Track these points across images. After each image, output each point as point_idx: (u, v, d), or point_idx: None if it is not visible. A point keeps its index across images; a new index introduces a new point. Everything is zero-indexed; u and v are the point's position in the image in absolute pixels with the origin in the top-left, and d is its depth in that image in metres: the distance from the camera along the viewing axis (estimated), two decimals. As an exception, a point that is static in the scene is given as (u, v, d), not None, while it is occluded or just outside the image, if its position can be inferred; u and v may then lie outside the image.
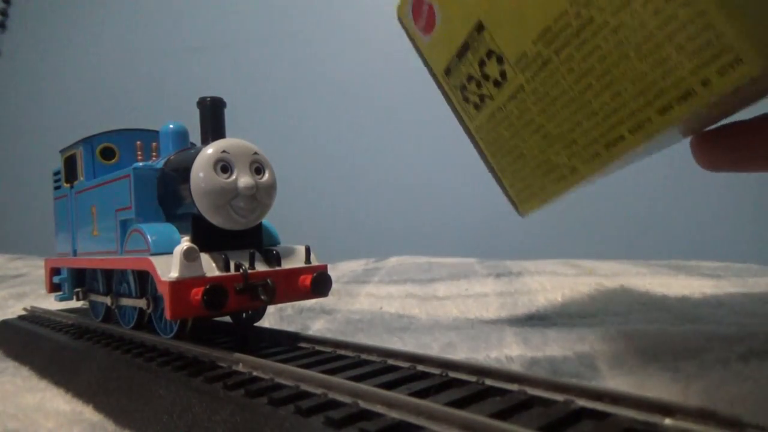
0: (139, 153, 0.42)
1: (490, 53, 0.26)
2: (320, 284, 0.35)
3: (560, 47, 0.23)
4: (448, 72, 0.29)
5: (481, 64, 0.27)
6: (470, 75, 0.28)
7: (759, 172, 0.29)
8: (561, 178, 0.26)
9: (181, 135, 0.41)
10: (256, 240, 0.36)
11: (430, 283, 0.63)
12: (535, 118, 0.26)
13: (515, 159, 0.28)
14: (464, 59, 0.28)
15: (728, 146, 0.28)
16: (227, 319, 0.42)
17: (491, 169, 0.31)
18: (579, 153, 0.25)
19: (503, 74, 0.26)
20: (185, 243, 0.31)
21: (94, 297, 0.46)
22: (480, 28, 0.26)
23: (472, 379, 0.24)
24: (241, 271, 0.32)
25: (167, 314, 0.30)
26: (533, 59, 0.24)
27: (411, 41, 0.31)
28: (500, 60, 0.26)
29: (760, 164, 0.28)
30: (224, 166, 0.33)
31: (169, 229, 0.35)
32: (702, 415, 0.17)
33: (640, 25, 0.20)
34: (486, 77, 0.27)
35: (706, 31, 0.19)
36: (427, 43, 0.30)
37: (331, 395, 0.23)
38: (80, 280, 0.48)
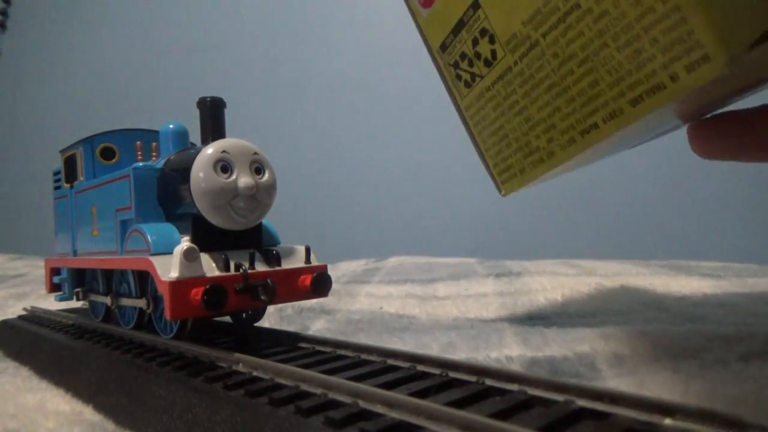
0: (139, 153, 0.42)
1: (483, 32, 0.27)
2: (320, 284, 0.35)
3: (547, 30, 0.24)
4: (443, 48, 0.30)
5: (474, 42, 0.28)
6: (463, 52, 0.29)
7: (757, 162, 0.29)
8: (539, 161, 0.27)
9: (181, 135, 0.41)
10: (256, 240, 0.36)
11: (430, 283, 0.63)
12: (519, 100, 0.27)
13: (499, 140, 0.29)
14: (459, 36, 0.28)
15: (728, 134, 0.28)
16: (227, 319, 0.42)
17: (477, 148, 0.32)
18: (557, 138, 0.26)
19: (494, 54, 0.27)
20: (185, 243, 0.31)
21: (94, 297, 0.46)
22: (476, 5, 0.27)
23: (472, 379, 0.24)
24: (241, 271, 0.32)
25: (167, 314, 0.30)
26: (522, 41, 0.25)
27: (411, 16, 0.32)
28: (492, 39, 0.27)
29: (760, 154, 0.28)
30: (224, 166, 0.33)
31: (169, 229, 0.35)
32: (702, 415, 0.17)
33: (621, 15, 0.21)
34: (478, 56, 0.28)
35: (679, 26, 0.19)
36: (425, 17, 0.30)
37: (331, 395, 0.23)
38: (80, 280, 0.48)
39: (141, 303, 0.37)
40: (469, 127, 0.31)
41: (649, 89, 0.21)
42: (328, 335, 0.41)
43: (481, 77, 0.28)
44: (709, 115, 0.29)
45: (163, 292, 0.30)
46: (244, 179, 0.33)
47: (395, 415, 0.20)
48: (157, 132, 0.42)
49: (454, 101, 0.32)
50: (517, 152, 0.28)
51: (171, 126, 0.41)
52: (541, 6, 0.24)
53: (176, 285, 0.30)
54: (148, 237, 0.34)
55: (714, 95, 0.24)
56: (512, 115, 0.27)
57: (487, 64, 0.28)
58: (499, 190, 0.32)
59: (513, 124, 0.28)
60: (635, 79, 0.21)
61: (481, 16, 0.27)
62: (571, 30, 0.23)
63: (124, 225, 0.38)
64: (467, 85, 0.30)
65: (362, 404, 0.21)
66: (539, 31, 0.24)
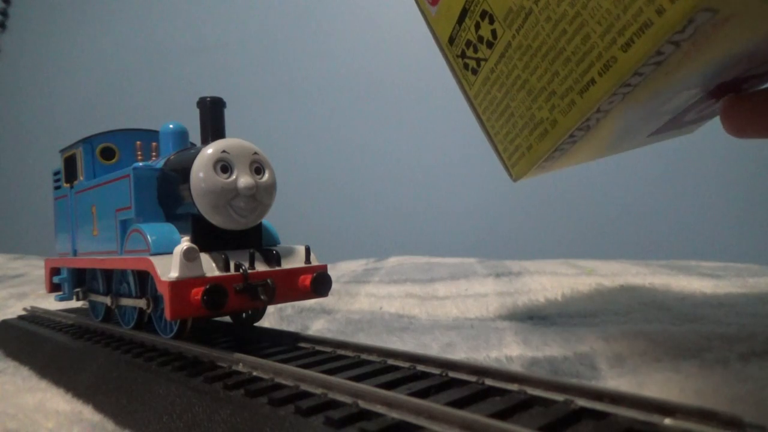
0: (139, 153, 0.42)
1: (483, 14, 0.27)
2: (320, 284, 0.35)
3: None
4: (451, 41, 0.30)
5: (477, 26, 0.28)
6: (468, 40, 0.29)
7: None
8: (544, 133, 0.27)
9: (181, 135, 0.41)
10: (256, 240, 0.36)
11: (430, 283, 0.63)
12: (520, 74, 0.27)
13: (506, 120, 0.29)
14: (463, 25, 0.29)
15: (763, 111, 0.28)
16: (227, 319, 0.42)
17: (488, 135, 0.32)
18: (558, 104, 0.25)
19: (494, 33, 0.27)
20: (185, 243, 0.31)
21: (94, 297, 0.46)
22: None
23: (472, 379, 0.24)
24: (241, 271, 0.32)
25: (167, 314, 0.30)
26: (518, 13, 0.25)
27: (423, 17, 0.32)
28: (492, 19, 0.27)
29: None
30: (224, 166, 0.33)
31: (169, 229, 0.35)
32: (702, 415, 0.17)
33: None
34: (480, 39, 0.28)
35: None
36: (434, 14, 0.31)
37: (331, 395, 0.23)
38: (80, 280, 0.48)
39: (141, 303, 0.37)
40: (479, 116, 0.31)
41: (638, 29, 0.21)
42: (328, 335, 0.41)
43: (485, 60, 0.28)
44: (745, 93, 0.29)
45: (163, 292, 0.30)
46: (244, 179, 0.33)
47: (395, 415, 0.20)
48: (157, 132, 0.42)
49: (464, 93, 0.32)
50: (523, 129, 0.28)
51: (171, 126, 0.41)
52: None
53: (176, 285, 0.30)
54: (148, 237, 0.34)
55: (733, 51, 0.23)
56: (515, 91, 0.27)
57: (489, 45, 0.28)
58: (510, 175, 0.31)
59: (517, 100, 0.28)
60: (624, 23, 0.21)
61: None
62: None
63: (124, 225, 0.38)
64: (474, 72, 0.30)
65: (362, 404, 0.21)
66: None
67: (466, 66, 0.30)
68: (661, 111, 0.29)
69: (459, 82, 0.32)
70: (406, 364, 0.27)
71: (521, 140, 0.29)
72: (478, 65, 0.29)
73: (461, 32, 0.29)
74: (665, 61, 0.21)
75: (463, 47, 0.30)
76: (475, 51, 0.29)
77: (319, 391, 0.24)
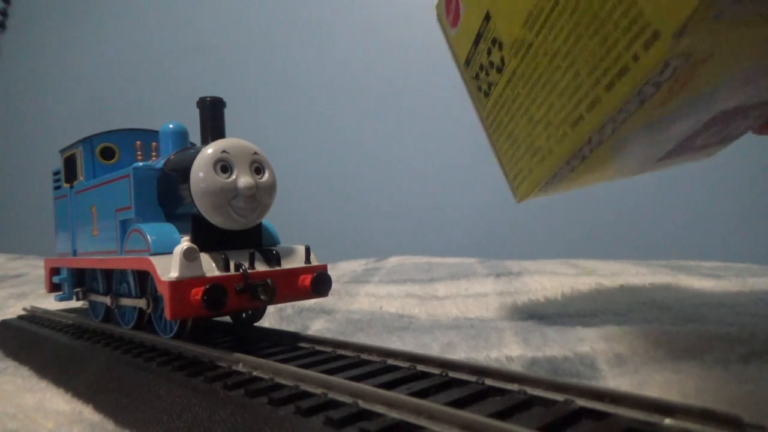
0: (139, 153, 0.42)
1: (494, 41, 0.28)
2: (320, 284, 0.35)
3: (538, 29, 0.25)
4: (467, 63, 0.32)
5: (488, 52, 0.29)
6: (481, 63, 0.30)
7: None
8: (542, 160, 0.28)
9: (181, 135, 0.41)
10: (256, 240, 0.36)
11: (430, 283, 0.63)
12: (523, 102, 0.28)
13: (512, 143, 0.30)
14: (478, 48, 0.30)
15: None
16: (227, 319, 0.42)
17: (496, 155, 0.33)
18: (554, 134, 0.26)
19: (503, 60, 0.28)
20: (185, 243, 0.31)
21: (93, 297, 0.46)
22: (488, 17, 0.28)
23: (472, 379, 0.24)
24: (241, 271, 0.32)
25: (167, 314, 0.30)
26: (521, 43, 0.26)
27: (445, 37, 0.33)
28: (501, 46, 0.28)
29: None
30: (224, 166, 0.33)
31: (169, 229, 0.35)
32: (702, 415, 0.17)
33: (588, 4, 0.22)
34: (491, 64, 0.29)
35: (632, 8, 0.20)
36: (454, 35, 0.32)
37: (331, 395, 0.23)
38: (80, 280, 0.48)
39: (141, 303, 0.37)
40: (489, 136, 0.33)
41: (618, 73, 0.22)
42: (328, 335, 0.41)
43: (495, 85, 0.30)
44: None
45: (163, 292, 0.30)
46: (243, 179, 0.33)
47: (395, 415, 0.20)
48: (157, 132, 0.42)
49: (478, 113, 0.33)
50: (525, 154, 0.29)
51: (171, 126, 0.41)
52: (532, 8, 0.25)
53: (176, 285, 0.30)
54: (148, 237, 0.34)
55: (724, 82, 0.24)
56: (519, 117, 0.29)
57: (499, 70, 0.29)
58: (515, 196, 0.32)
59: (520, 126, 0.29)
60: (607, 65, 0.22)
61: (492, 26, 0.28)
62: (555, 26, 0.24)
63: (124, 225, 0.38)
64: (486, 94, 0.31)
65: (362, 404, 0.21)
66: (533, 31, 0.25)
67: (479, 88, 0.31)
68: (662, 138, 0.29)
69: (473, 102, 0.33)
70: (406, 364, 0.27)
71: (523, 164, 0.30)
72: (489, 88, 0.30)
73: (476, 55, 0.30)
74: (649, 99, 0.22)
75: (477, 69, 0.31)
76: (487, 75, 0.30)
77: (319, 391, 0.24)
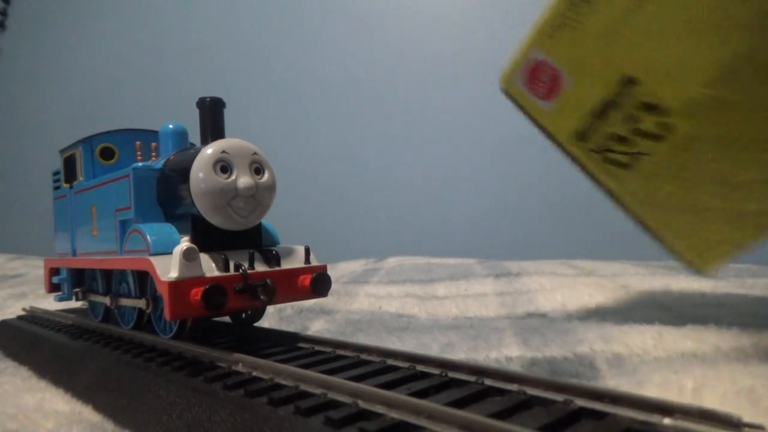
0: (139, 153, 0.42)
1: (645, 106, 0.26)
2: (320, 284, 0.35)
3: (736, 85, 0.23)
4: (580, 136, 0.29)
5: (631, 119, 0.26)
6: (614, 133, 0.27)
7: None
8: (746, 223, 0.26)
9: (181, 135, 0.41)
10: (256, 240, 0.36)
11: (429, 283, 0.63)
12: (711, 166, 0.25)
13: (688, 214, 0.27)
14: (605, 117, 0.27)
15: None
16: (227, 319, 0.42)
17: (644, 226, 0.30)
18: None
19: (665, 126, 0.25)
20: (185, 243, 0.31)
21: (93, 297, 0.46)
22: (629, 82, 0.25)
23: (472, 379, 0.24)
24: (240, 271, 0.32)
25: (167, 314, 0.30)
26: (703, 103, 0.24)
27: (521, 109, 0.30)
28: (661, 111, 0.25)
29: None
30: (224, 166, 0.33)
31: (169, 229, 0.35)
32: (701, 415, 0.17)
33: None
34: (639, 132, 0.26)
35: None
36: (547, 109, 0.29)
37: (331, 395, 0.23)
38: (80, 280, 0.48)
39: (140, 303, 0.37)
40: (628, 209, 0.30)
41: None
42: (328, 335, 0.41)
43: (649, 154, 0.27)
44: None
45: (163, 292, 0.30)
46: (243, 179, 0.33)
47: (395, 415, 0.20)
48: (156, 132, 0.42)
49: (602, 186, 0.30)
50: (717, 221, 0.26)
51: (171, 126, 0.41)
52: (729, 62, 0.22)
53: (176, 285, 0.30)
54: (148, 237, 0.34)
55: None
56: (706, 183, 0.26)
57: (656, 138, 0.26)
58: (690, 265, 0.30)
59: (708, 192, 0.26)
60: None
61: (640, 91, 0.25)
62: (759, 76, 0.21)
63: (124, 225, 0.38)
64: (625, 167, 0.28)
65: (362, 404, 0.21)
66: (727, 88, 0.23)
67: (608, 160, 0.28)
68: None
69: (590, 176, 0.30)
70: (406, 364, 0.27)
71: (712, 232, 0.27)
72: (634, 159, 0.27)
73: (601, 126, 0.27)
74: None
75: (606, 141, 0.28)
76: (630, 145, 0.27)
77: (318, 391, 0.24)
